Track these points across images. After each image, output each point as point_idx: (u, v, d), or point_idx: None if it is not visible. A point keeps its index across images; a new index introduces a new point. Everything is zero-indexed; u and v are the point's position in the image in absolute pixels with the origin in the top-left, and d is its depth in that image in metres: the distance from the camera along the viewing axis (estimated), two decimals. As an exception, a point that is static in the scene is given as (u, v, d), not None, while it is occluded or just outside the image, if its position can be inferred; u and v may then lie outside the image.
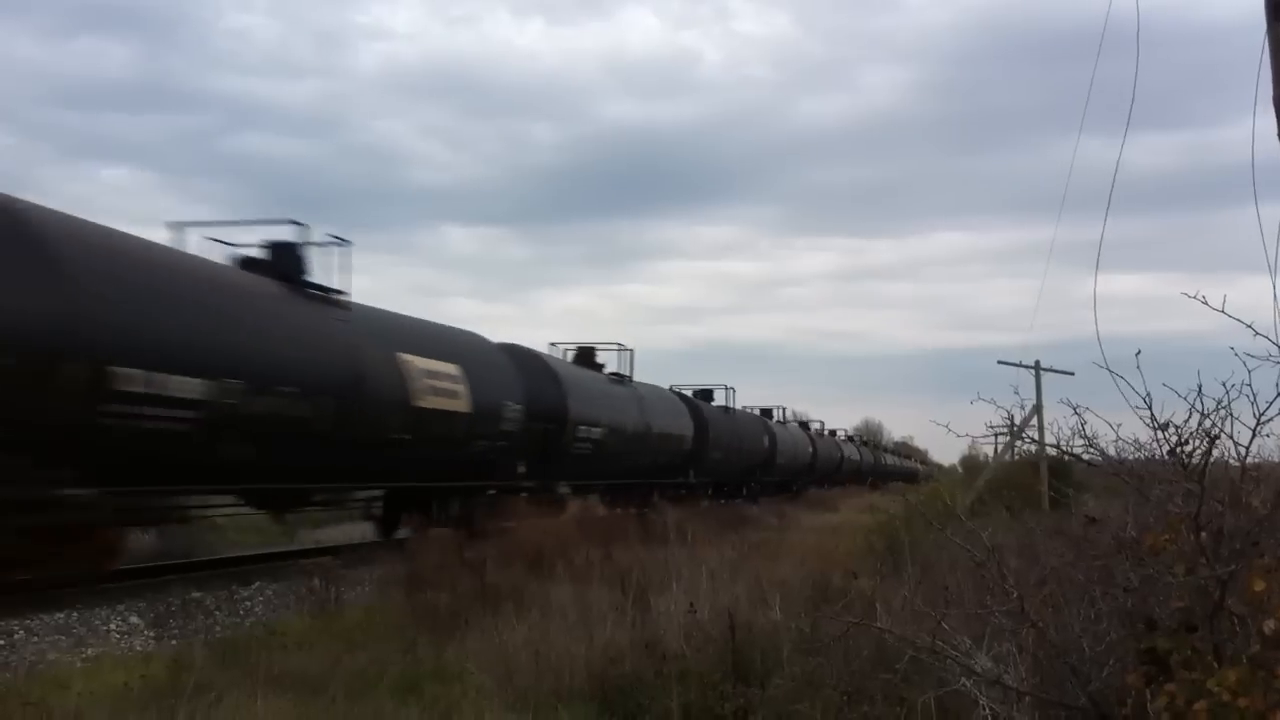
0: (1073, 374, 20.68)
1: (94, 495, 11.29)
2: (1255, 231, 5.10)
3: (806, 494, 46.09)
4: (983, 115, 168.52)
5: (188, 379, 12.11)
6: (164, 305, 12.33)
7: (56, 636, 10.23)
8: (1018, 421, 19.43)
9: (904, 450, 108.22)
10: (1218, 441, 4.65)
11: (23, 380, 10.11)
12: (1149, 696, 4.00)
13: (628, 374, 28.87)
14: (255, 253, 15.63)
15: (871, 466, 75.17)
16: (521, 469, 20.74)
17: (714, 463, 34.22)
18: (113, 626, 10.87)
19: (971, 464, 32.84)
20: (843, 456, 63.73)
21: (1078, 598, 5.23)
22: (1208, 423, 4.66)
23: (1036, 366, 21.88)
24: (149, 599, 11.83)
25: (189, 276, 13.42)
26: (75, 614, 10.87)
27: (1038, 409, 20.20)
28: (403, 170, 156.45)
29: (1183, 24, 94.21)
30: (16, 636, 10.01)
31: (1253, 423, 4.52)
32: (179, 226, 15.16)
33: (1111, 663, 4.62)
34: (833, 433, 68.08)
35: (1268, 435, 4.63)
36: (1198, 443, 4.69)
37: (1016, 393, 8.73)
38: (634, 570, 10.36)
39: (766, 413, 47.60)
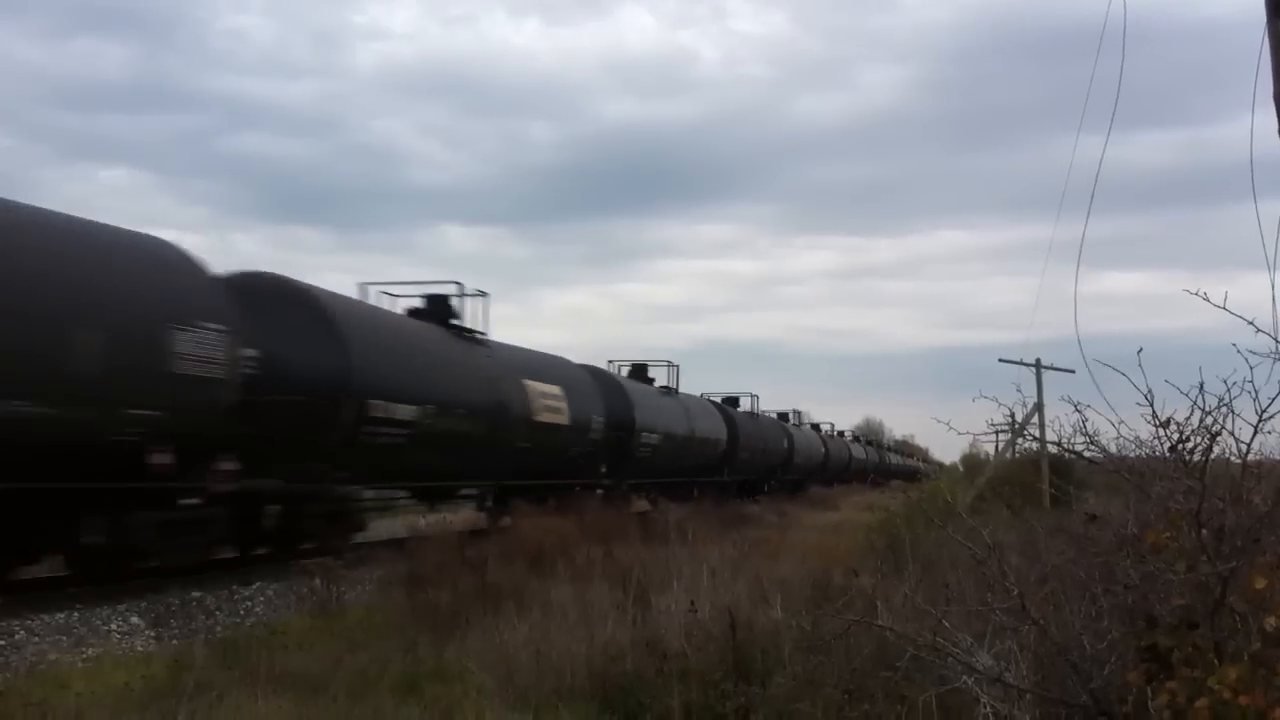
0: (1073, 372, 20.61)
1: (357, 490, 16.71)
2: (1256, 228, 5.10)
3: (810, 492, 47.30)
4: (981, 113, 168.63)
5: (406, 406, 17.10)
6: (395, 355, 17.60)
7: (57, 636, 10.23)
8: (1019, 419, 19.46)
9: (905, 449, 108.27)
10: (1219, 438, 4.64)
11: (319, 412, 15.19)
12: (1150, 694, 3.99)
13: (674, 386, 33.95)
14: (418, 303, 20.68)
15: (874, 465, 76.66)
16: (603, 469, 25.73)
17: (743, 462, 38.32)
18: (113, 626, 10.87)
19: (972, 462, 32.81)
20: (850, 456, 66.88)
21: (1079, 595, 5.22)
22: (1209, 420, 4.65)
23: (1037, 364, 21.85)
24: (149, 599, 11.84)
25: (404, 332, 19.11)
26: (76, 614, 10.87)
27: (1039, 406, 20.19)
28: (401, 170, 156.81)
29: (1182, 21, 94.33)
30: (18, 636, 10.02)
31: (1254, 419, 4.52)
32: (364, 287, 19.82)
33: (1113, 660, 4.61)
34: (841, 434, 71.03)
35: (1269, 432, 4.63)
36: (1199, 439, 4.68)
37: (1018, 390, 8.72)
38: (635, 569, 10.35)
39: (784, 416, 51.73)
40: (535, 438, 21.67)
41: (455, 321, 20.75)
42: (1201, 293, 4.57)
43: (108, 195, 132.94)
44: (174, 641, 10.39)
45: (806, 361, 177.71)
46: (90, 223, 12.43)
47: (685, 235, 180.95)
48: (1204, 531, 4.17)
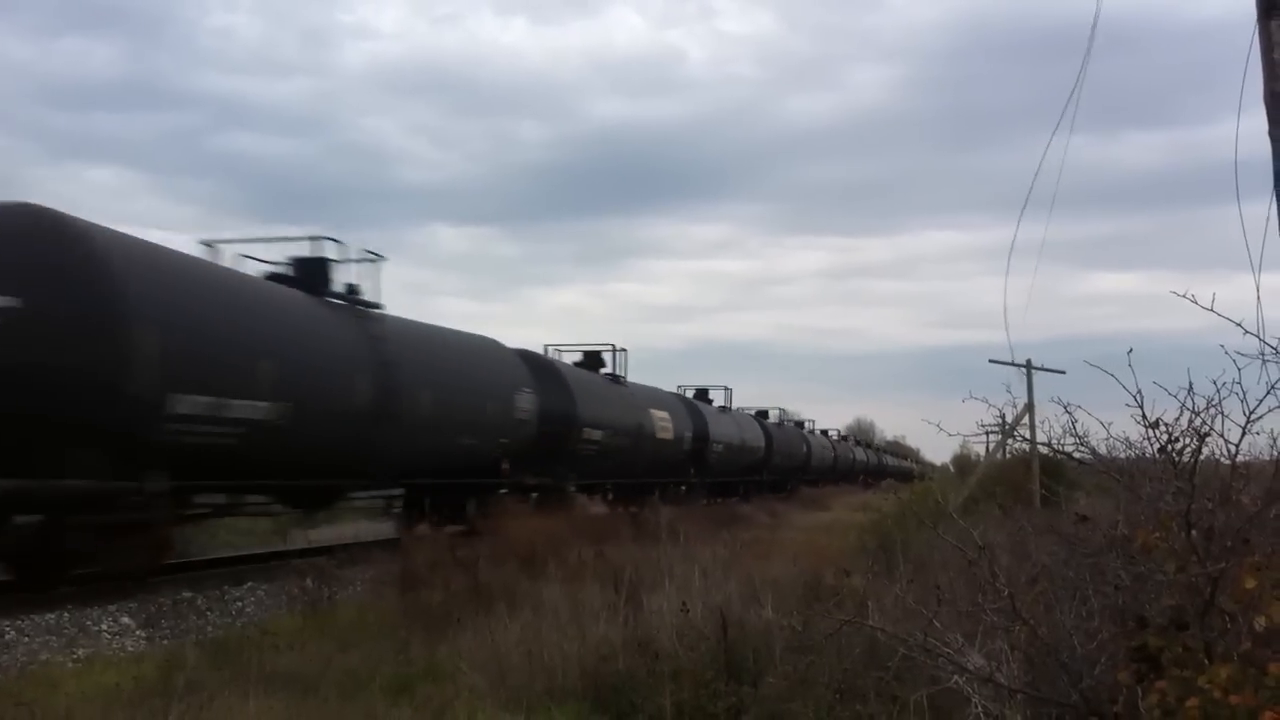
0: (1064, 372, 20.71)
1: (575, 488, 24.36)
2: (1239, 229, 5.12)
3: (799, 493, 46.42)
4: (970, 113, 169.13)
5: (598, 429, 24.95)
6: (594, 396, 25.48)
7: (48, 637, 10.20)
8: (1009, 420, 19.51)
9: (896, 449, 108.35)
10: (1208, 439, 4.67)
11: (556, 433, 22.88)
12: (1140, 694, 4.01)
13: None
14: (579, 357, 26.75)
15: (863, 465, 75.64)
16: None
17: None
18: (104, 627, 10.85)
19: (963, 463, 32.86)
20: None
21: (1069, 595, 5.24)
22: (1198, 421, 4.67)
23: (1028, 365, 21.88)
24: (140, 599, 11.81)
25: (594, 379, 27.02)
26: (67, 614, 10.85)
27: (1029, 407, 20.23)
28: (391, 169, 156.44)
29: (1170, 23, 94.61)
30: (8, 637, 9.99)
31: (1243, 420, 4.54)
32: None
33: (1103, 660, 4.63)
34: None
35: (1258, 433, 4.65)
36: (1188, 440, 4.70)
37: (1008, 391, 8.75)
38: (626, 569, 10.35)
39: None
40: (651, 452, 21.09)
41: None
42: (1189, 295, 4.60)
43: (98, 195, 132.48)
44: (165, 642, 10.37)
45: (798, 361, 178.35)
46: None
47: (677, 235, 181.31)
48: (1193, 532, 4.19)
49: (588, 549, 13.59)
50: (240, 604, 12.68)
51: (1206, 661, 3.82)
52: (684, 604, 7.96)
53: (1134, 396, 4.73)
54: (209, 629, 11.11)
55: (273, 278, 16.50)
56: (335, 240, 17.51)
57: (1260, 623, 3.71)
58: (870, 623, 6.03)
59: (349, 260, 17.61)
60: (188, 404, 12.69)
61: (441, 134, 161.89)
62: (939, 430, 7.18)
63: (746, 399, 48.70)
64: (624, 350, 29.72)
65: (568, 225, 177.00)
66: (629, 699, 6.86)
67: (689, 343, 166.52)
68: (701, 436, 33.85)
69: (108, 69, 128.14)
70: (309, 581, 11.91)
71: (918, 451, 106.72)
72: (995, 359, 20.99)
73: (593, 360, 29.01)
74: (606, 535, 16.22)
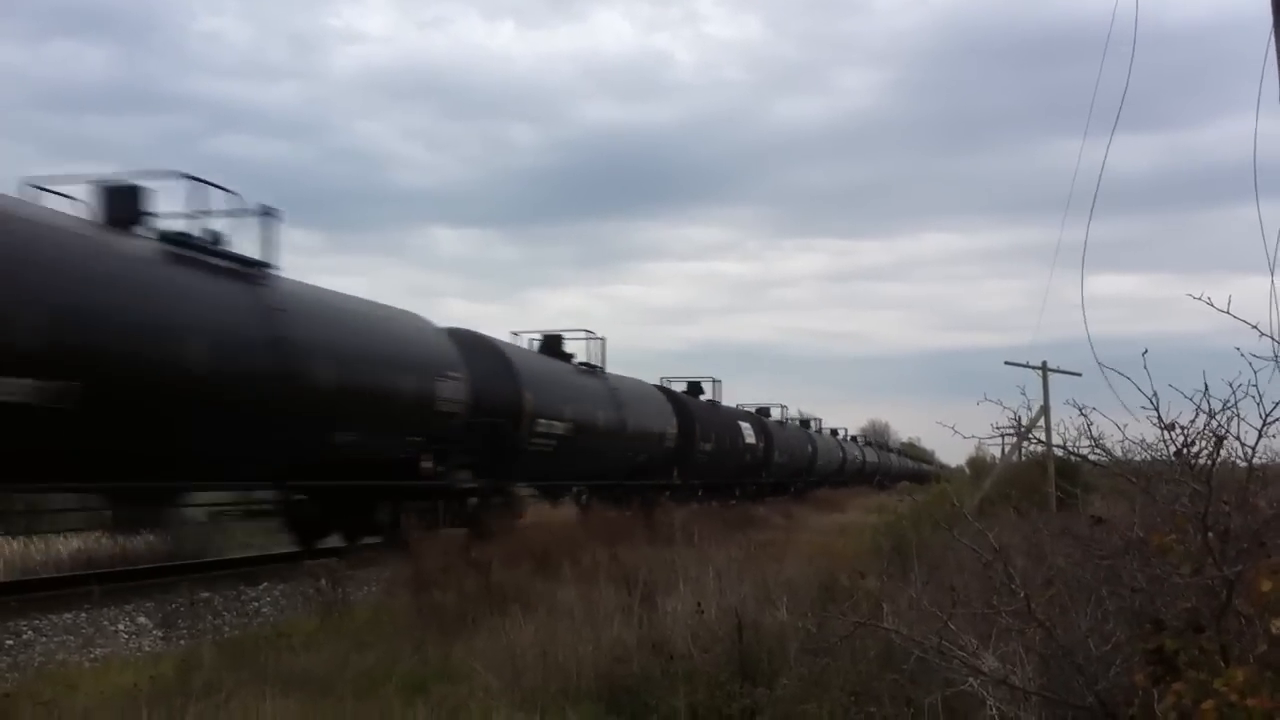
0: (1080, 375, 20.61)
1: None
2: (1238, 231, 5.11)
3: (814, 495, 44.97)
4: (960, 117, 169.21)
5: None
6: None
7: (65, 636, 10.27)
8: (1024, 422, 19.44)
9: (911, 451, 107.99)
10: (1224, 442, 4.65)
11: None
12: (1156, 696, 4.00)
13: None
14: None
15: (876, 467, 73.87)
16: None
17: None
18: (121, 627, 10.91)
19: (978, 465, 32.77)
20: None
21: (1085, 598, 5.23)
22: (1214, 423, 4.66)
23: (1044, 367, 21.84)
24: (157, 599, 11.87)
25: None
26: (84, 614, 10.91)
27: (1045, 410, 20.18)
28: (386, 172, 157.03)
29: (1168, 25, 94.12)
30: (25, 636, 10.06)
31: (1259, 423, 4.53)
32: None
33: (1118, 663, 4.62)
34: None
35: (1274, 436, 4.63)
36: (1204, 443, 4.69)
37: (1023, 393, 8.71)
38: (640, 570, 10.37)
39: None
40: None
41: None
42: (1205, 297, 4.59)
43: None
44: (182, 642, 10.42)
45: (808, 364, 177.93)
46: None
47: (675, 237, 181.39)
48: (1210, 535, 4.18)
49: (602, 550, 13.60)
50: (256, 604, 12.75)
51: (1223, 664, 3.81)
52: (698, 605, 7.96)
53: (1150, 399, 4.72)
54: (225, 629, 11.16)
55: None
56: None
57: (1277, 625, 3.70)
58: (885, 625, 6.02)
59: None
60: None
61: (435, 137, 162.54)
62: (954, 433, 7.16)
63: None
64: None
65: (565, 228, 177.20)
66: (643, 700, 6.87)
67: (693, 345, 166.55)
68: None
69: (99, 73, 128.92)
70: (323, 582, 11.96)
71: (933, 453, 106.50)
72: (1012, 361, 21.00)
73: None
74: (620, 537, 16.20)
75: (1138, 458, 5.97)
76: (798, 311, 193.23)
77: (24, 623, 10.31)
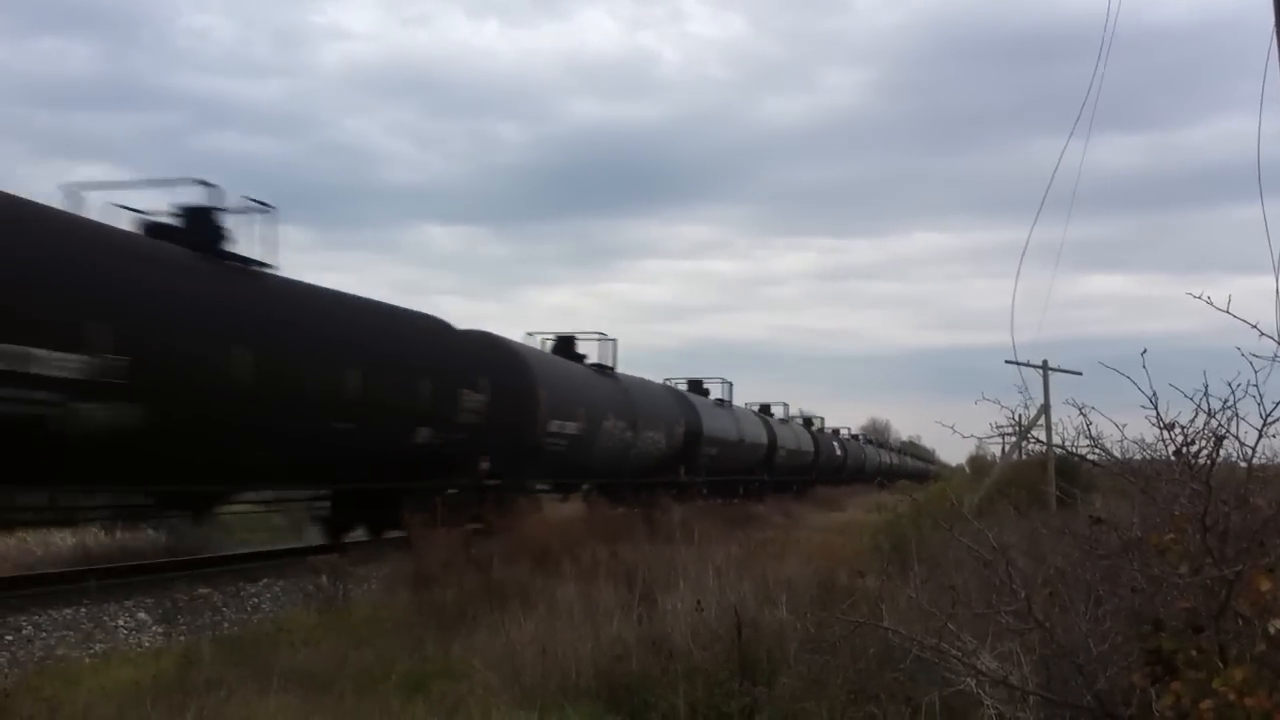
0: (1080, 374, 20.63)
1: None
2: (1225, 231, 5.10)
3: (814, 493, 45.19)
4: (944, 117, 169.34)
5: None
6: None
7: (65, 632, 10.29)
8: (1024, 421, 19.45)
9: (911, 450, 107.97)
10: (1224, 442, 4.66)
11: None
12: (1154, 696, 4.01)
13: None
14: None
15: (877, 465, 74.21)
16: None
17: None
18: (121, 623, 10.93)
19: (978, 464, 32.76)
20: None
21: (1083, 597, 5.23)
22: (1214, 423, 4.66)
23: (1044, 366, 21.81)
24: (157, 595, 11.89)
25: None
26: (84, 610, 10.92)
27: (1045, 409, 20.18)
28: (375, 169, 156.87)
29: (1137, 26, 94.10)
30: (25, 632, 10.07)
31: (1259, 423, 4.53)
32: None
33: (1117, 662, 4.62)
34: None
35: (1274, 436, 4.64)
36: (1204, 443, 4.69)
37: (1022, 392, 8.72)
38: (640, 568, 10.37)
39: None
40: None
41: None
42: (1205, 296, 4.59)
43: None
44: (182, 638, 10.43)
45: (804, 362, 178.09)
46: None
47: (665, 235, 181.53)
48: (1209, 535, 4.18)
49: (601, 548, 13.61)
50: (256, 600, 12.76)
51: (1221, 664, 3.82)
52: (698, 603, 7.96)
53: (1149, 399, 4.73)
54: (225, 625, 11.17)
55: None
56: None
57: (1275, 625, 3.71)
58: (884, 624, 6.03)
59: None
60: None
61: (422, 134, 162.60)
62: (953, 432, 7.17)
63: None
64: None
65: (555, 225, 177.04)
66: (642, 698, 6.87)
67: (686, 342, 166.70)
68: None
69: (86, 69, 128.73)
70: (324, 578, 11.97)
71: (933, 452, 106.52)
72: (1012, 359, 20.96)
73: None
74: (620, 534, 16.21)
75: (1137, 457, 5.97)
76: (789, 310, 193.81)
77: (24, 618, 10.33)
